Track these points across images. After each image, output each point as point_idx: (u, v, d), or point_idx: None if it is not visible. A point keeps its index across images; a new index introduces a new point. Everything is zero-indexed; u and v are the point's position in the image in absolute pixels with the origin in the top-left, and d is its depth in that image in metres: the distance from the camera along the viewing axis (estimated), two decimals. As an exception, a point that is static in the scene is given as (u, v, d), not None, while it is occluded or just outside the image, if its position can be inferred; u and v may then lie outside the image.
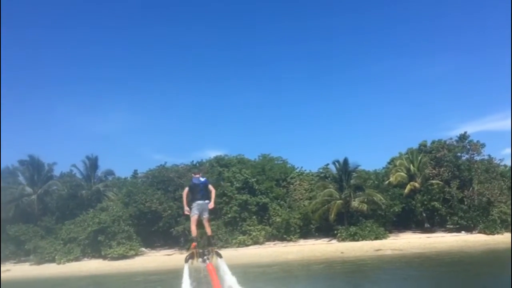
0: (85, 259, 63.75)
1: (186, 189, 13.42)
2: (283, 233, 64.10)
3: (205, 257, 12.59)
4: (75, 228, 64.87)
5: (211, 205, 13.53)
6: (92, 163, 75.64)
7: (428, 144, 71.58)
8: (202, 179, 13.55)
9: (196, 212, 13.06)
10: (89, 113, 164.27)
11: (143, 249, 65.10)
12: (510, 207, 60.10)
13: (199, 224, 13.72)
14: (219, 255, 13.10)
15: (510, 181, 63.30)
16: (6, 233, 68.92)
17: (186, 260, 12.76)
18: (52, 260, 63.18)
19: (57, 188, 74.32)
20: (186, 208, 13.44)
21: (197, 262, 12.63)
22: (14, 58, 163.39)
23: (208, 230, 13.56)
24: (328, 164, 72.38)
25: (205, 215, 13.35)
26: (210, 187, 13.67)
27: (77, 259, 62.95)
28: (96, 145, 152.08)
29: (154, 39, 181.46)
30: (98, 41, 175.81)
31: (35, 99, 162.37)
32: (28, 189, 72.60)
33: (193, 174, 14.00)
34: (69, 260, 62.48)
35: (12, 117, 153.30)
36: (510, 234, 54.63)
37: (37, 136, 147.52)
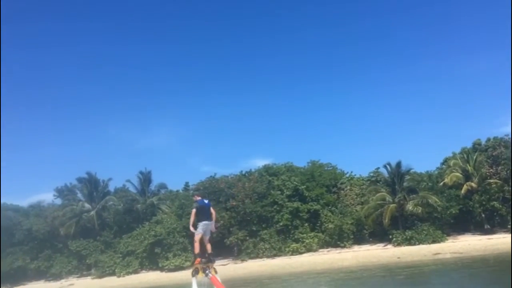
0: (143, 271, 65.59)
1: (194, 210, 14.48)
2: (336, 240, 63.48)
3: (207, 272, 13.91)
4: (133, 241, 66.97)
5: (213, 228, 14.84)
6: (146, 178, 77.91)
7: (483, 142, 68.98)
8: (206, 201, 14.86)
9: (201, 231, 14.22)
10: (139, 129, 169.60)
11: (198, 260, 66.14)
12: None
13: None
14: (215, 271, 14.37)
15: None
16: (68, 248, 72.14)
17: (193, 275, 13.99)
18: (113, 273, 65.52)
19: (113, 203, 76.98)
20: (192, 227, 14.55)
21: (201, 277, 13.89)
22: (65, 78, 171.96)
23: (209, 248, 14.67)
24: (378, 168, 71.33)
25: (208, 235, 14.64)
26: (212, 209, 14.90)
27: (135, 271, 64.92)
28: (147, 159, 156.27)
29: (198, 52, 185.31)
30: (144, 58, 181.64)
31: (88, 119, 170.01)
32: (87, 206, 75.61)
33: (196, 197, 15.19)
34: (128, 273, 64.57)
35: (67, 135, 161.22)
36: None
37: (92, 153, 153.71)
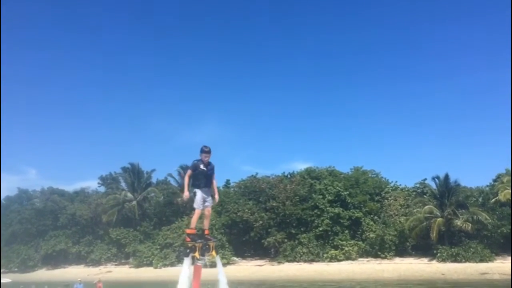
0: (180, 264, 65.50)
1: (190, 171, 11.26)
2: (377, 250, 61.41)
3: (206, 254, 11.11)
4: (171, 234, 67.43)
5: (216, 199, 11.97)
6: (186, 172, 78.37)
7: (541, 160, 65.18)
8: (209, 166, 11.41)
9: (201, 205, 11.23)
10: (183, 123, 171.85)
11: (235, 258, 65.80)
12: None
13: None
14: (216, 253, 11.52)
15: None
16: (108, 235, 73.59)
17: (187, 254, 11.10)
18: (150, 264, 66.26)
19: (154, 195, 77.94)
20: (187, 191, 11.31)
21: (198, 258, 11.02)
22: (112, 64, 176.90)
23: (207, 224, 11.58)
24: (425, 180, 68.75)
25: (210, 205, 11.50)
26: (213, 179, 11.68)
27: (172, 264, 65.13)
28: (189, 153, 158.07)
29: (243, 50, 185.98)
30: (193, 52, 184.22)
31: (136, 113, 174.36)
32: (130, 195, 76.88)
33: (205, 155, 11.20)
34: (165, 265, 64.97)
35: (116, 127, 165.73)
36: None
37: (138, 145, 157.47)
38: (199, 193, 11.09)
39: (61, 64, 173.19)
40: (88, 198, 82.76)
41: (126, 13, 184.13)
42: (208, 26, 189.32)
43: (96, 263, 73.34)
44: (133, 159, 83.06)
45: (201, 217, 11.40)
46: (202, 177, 11.12)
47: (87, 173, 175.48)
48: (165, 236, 67.98)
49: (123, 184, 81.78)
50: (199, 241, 11.07)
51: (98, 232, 76.95)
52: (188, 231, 11.39)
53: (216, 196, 11.94)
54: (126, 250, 72.19)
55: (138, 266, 67.75)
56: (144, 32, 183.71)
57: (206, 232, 11.62)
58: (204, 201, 11.19)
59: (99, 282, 42.01)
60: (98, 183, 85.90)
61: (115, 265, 72.72)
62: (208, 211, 11.38)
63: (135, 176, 78.95)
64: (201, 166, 11.12)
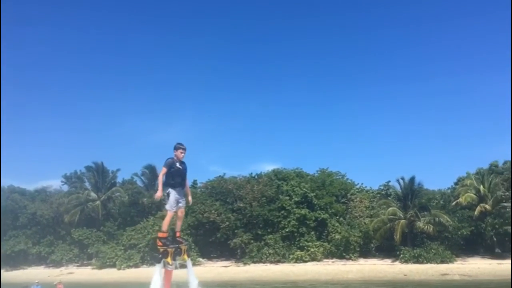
0: (144, 266, 64.69)
1: (165, 169, 10.65)
2: (342, 251, 62.16)
3: (176, 258, 10.70)
4: (136, 235, 66.29)
5: (190, 200, 11.47)
6: (152, 172, 77.18)
7: (500, 164, 67.41)
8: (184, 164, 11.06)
9: (174, 206, 10.80)
10: (152, 125, 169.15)
11: (200, 259, 65.21)
12: None
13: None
14: (188, 255, 11.09)
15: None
16: (71, 236, 71.76)
17: (159, 260, 10.58)
18: (113, 265, 64.88)
19: (119, 195, 76.50)
20: (160, 192, 10.61)
21: (170, 264, 10.55)
22: (82, 64, 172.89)
23: (179, 226, 11.22)
24: (389, 181, 70.05)
25: (183, 206, 11.11)
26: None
27: (136, 265, 64.10)
28: (157, 153, 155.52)
29: (216, 50, 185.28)
30: (163, 51, 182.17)
31: (102, 107, 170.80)
32: (93, 195, 75.21)
33: (179, 152, 10.92)
34: (128, 266, 63.83)
35: (82, 122, 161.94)
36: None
37: (103, 143, 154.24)
38: (172, 194, 10.61)
39: (25, 61, 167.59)
40: (50, 198, 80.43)
41: (95, 9, 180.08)
42: (179, 24, 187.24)
43: (57, 264, 71.34)
44: (100, 159, 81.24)
45: (173, 218, 10.96)
46: (177, 176, 10.69)
47: (52, 173, 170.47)
48: (129, 237, 66.77)
49: (87, 184, 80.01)
50: (172, 246, 10.55)
51: (59, 232, 74.85)
52: (160, 234, 10.79)
53: (190, 198, 11.48)
54: (88, 250, 70.55)
55: (101, 267, 66.24)
56: (115, 30, 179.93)
57: (178, 234, 11.20)
58: (178, 202, 10.75)
59: (60, 283, 40.73)
60: (62, 181, 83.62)
61: (77, 266, 70.95)
62: (181, 212, 10.96)
63: (99, 175, 77.30)
64: (177, 165, 10.71)
